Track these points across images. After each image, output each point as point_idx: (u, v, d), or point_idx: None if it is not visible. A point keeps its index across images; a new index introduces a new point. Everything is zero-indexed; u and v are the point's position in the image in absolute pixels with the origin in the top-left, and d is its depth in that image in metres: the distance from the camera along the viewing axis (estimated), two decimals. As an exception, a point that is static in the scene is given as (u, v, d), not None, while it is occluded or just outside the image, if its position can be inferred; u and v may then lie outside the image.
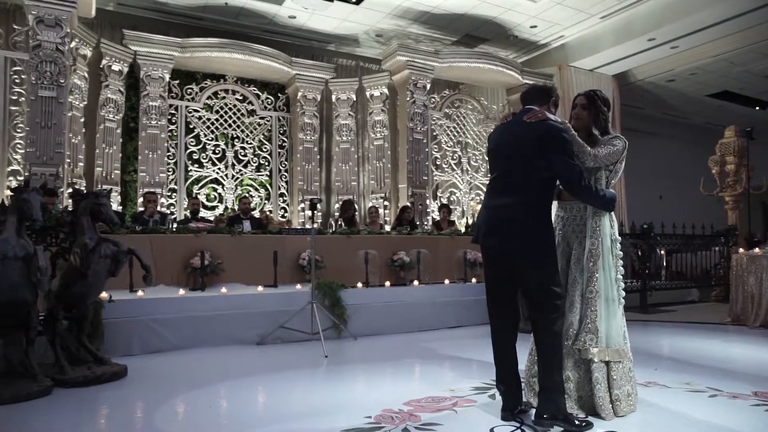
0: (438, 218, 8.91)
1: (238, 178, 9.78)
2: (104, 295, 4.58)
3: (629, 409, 2.86)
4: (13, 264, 3.34)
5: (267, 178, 10.05)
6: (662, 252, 8.77)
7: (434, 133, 10.31)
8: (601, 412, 2.79)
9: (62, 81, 6.76)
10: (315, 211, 5.43)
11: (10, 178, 6.80)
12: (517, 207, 2.73)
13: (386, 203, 9.92)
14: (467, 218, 9.86)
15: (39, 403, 3.26)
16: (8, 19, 7.23)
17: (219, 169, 9.61)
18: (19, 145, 6.86)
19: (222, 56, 8.95)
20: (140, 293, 4.91)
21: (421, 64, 9.43)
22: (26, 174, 6.51)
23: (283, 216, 10.10)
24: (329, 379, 3.87)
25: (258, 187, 9.96)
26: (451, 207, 9.54)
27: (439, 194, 10.32)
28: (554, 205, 3.13)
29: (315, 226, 5.55)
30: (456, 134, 10.59)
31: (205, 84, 9.54)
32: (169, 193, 8.97)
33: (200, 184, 9.43)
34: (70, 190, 7.16)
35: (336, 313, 5.53)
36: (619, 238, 2.98)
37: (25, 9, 6.68)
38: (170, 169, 9.09)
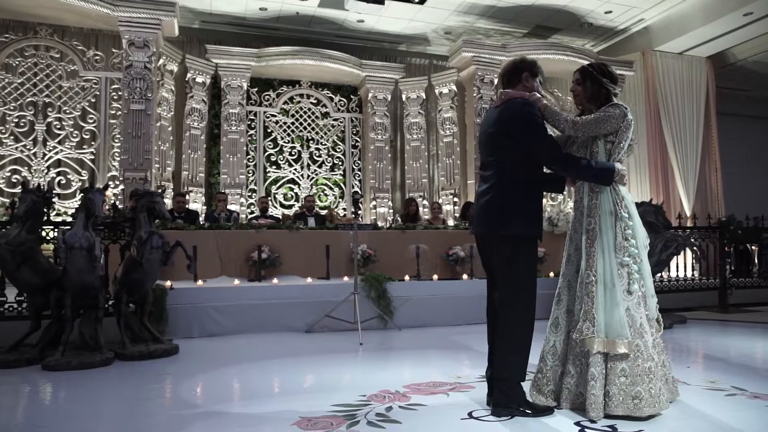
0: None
1: (313, 177, 10.32)
2: (168, 283, 5.20)
3: (629, 411, 2.52)
4: (79, 253, 3.93)
5: (341, 177, 10.51)
6: (754, 247, 8.04)
7: (504, 128, 10.18)
8: (588, 409, 2.56)
9: (149, 95, 7.60)
10: (358, 207, 5.70)
11: (110, 182, 7.77)
12: (489, 191, 2.76)
13: (456, 200, 9.99)
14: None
15: (100, 371, 3.83)
16: (110, 44, 8.24)
17: (295, 169, 10.21)
18: (116, 154, 7.81)
19: (295, 63, 9.52)
20: (200, 282, 5.45)
21: (487, 58, 9.39)
22: (121, 178, 7.41)
23: (354, 213, 10.50)
24: (352, 363, 4.11)
25: (332, 186, 10.45)
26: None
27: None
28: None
29: (358, 221, 5.82)
30: (527, 128, 10.37)
31: (282, 90, 10.17)
32: (249, 193, 9.69)
33: (278, 185, 10.08)
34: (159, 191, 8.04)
35: (382, 304, 5.76)
36: (626, 215, 2.66)
37: (121, 34, 7.60)
38: (250, 171, 9.81)
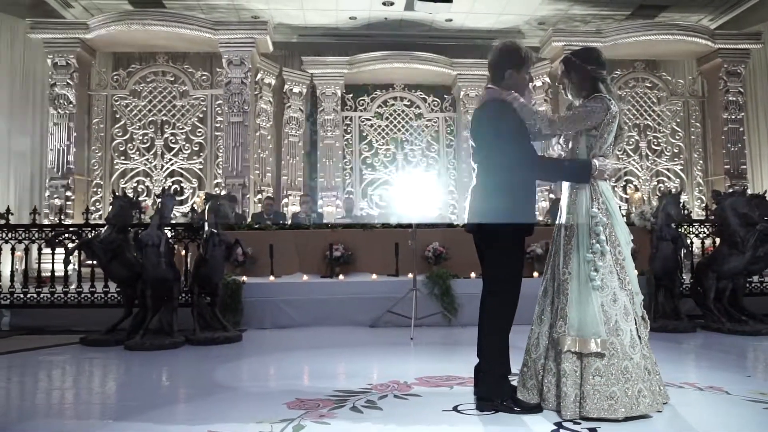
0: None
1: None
2: (243, 278, 5.71)
3: (605, 413, 2.42)
4: (152, 250, 4.52)
5: (435, 177, 10.58)
6: None
7: (605, 118, 9.55)
8: (561, 408, 2.50)
9: (246, 108, 8.36)
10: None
11: (216, 188, 8.64)
12: (474, 191, 2.81)
13: (551, 196, 9.59)
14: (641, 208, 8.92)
15: (169, 352, 4.38)
16: (215, 65, 9.18)
17: (390, 171, 10.49)
18: (220, 162, 8.68)
19: (385, 67, 9.83)
20: (272, 278, 5.91)
21: (580, 47, 8.87)
22: (223, 185, 8.24)
23: (452, 212, 10.53)
24: (389, 355, 4.23)
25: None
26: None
27: (611, 183, 9.52)
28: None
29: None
30: (632, 117, 9.63)
31: (376, 94, 10.51)
32: (346, 195, 10.14)
33: (374, 186, 10.43)
34: (259, 196, 8.79)
35: (445, 301, 5.78)
36: (597, 212, 2.59)
37: (221, 54, 8.46)
38: (347, 174, 10.28)
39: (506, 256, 2.72)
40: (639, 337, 2.57)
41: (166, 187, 5.35)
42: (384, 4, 9.18)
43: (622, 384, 2.45)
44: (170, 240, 4.85)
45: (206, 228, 4.80)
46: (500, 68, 2.75)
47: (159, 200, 4.70)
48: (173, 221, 6.31)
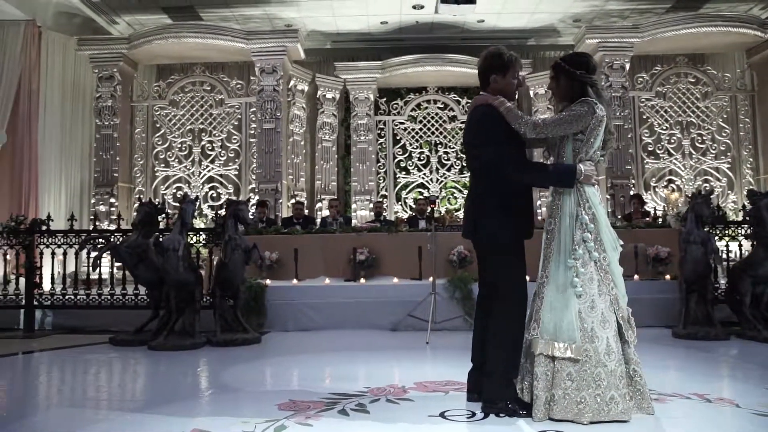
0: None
1: (442, 181, 10.47)
2: (267, 281, 5.85)
3: (572, 416, 2.44)
4: (173, 254, 4.69)
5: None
6: None
7: (644, 116, 9.20)
8: (533, 409, 2.53)
9: (279, 114, 8.55)
10: (433, 207, 5.79)
11: (250, 194, 8.86)
12: (467, 199, 2.88)
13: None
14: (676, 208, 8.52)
15: (188, 353, 4.55)
16: (250, 73, 9.42)
17: (424, 174, 10.46)
18: (254, 168, 8.90)
19: (416, 70, 9.81)
20: (295, 281, 6.01)
21: (615, 43, 8.63)
22: (257, 190, 8.45)
23: (431, 214, 10.35)
24: (399, 359, 4.25)
25: (461, 189, 10.47)
26: (643, 197, 8.48)
27: (652, 183, 9.16)
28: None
29: (433, 222, 5.90)
30: (674, 114, 9.21)
31: (409, 98, 10.51)
32: (380, 199, 10.17)
33: (407, 189, 10.43)
34: (293, 201, 8.96)
35: (467, 305, 5.72)
36: (587, 218, 2.56)
37: (254, 63, 8.71)
38: (381, 178, 10.33)
39: (505, 261, 2.71)
40: (627, 342, 2.56)
41: (188, 194, 5.53)
42: (414, 7, 9.18)
43: (593, 390, 2.45)
44: (191, 244, 5.02)
45: (228, 232, 4.95)
46: (486, 74, 2.77)
47: (180, 206, 4.87)
48: (203, 226, 6.57)
